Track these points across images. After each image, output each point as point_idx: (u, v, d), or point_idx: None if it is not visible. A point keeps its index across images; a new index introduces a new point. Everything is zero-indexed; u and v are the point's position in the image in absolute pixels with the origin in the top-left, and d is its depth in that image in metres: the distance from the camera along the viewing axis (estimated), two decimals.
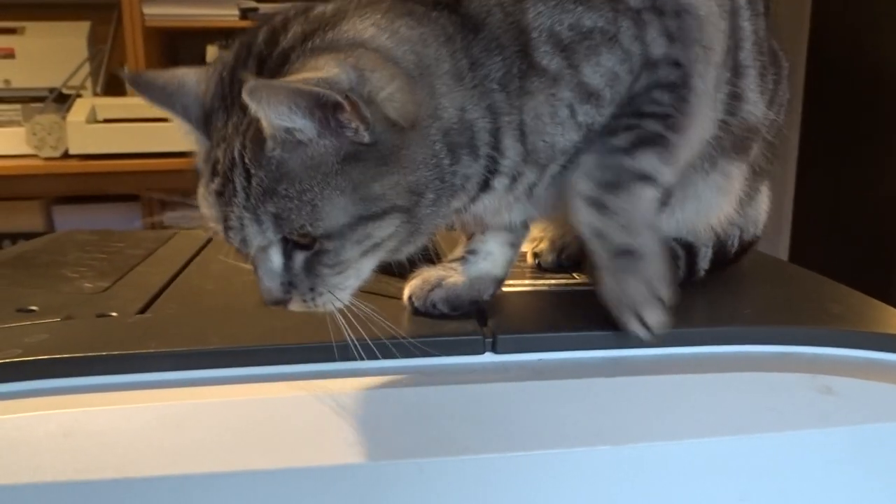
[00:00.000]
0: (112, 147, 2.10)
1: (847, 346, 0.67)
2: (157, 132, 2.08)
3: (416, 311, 0.68)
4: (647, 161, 0.64)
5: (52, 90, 2.33)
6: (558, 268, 0.82)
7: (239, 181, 0.54)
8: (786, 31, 2.68)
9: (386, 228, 0.56)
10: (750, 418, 0.59)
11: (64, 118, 2.15)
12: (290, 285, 0.57)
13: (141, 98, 0.61)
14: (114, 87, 2.46)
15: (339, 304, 0.58)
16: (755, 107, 0.73)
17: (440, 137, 0.57)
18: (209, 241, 1.09)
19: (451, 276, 0.69)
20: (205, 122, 0.58)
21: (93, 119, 2.13)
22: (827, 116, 2.66)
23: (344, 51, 0.54)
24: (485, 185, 0.62)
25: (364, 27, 0.56)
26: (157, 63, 2.36)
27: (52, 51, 2.38)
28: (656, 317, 0.63)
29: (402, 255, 0.61)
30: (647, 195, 0.64)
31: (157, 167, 2.10)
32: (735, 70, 0.71)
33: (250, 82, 0.49)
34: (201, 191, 0.57)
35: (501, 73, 0.59)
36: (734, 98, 0.71)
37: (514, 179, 0.63)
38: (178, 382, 0.59)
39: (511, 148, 0.61)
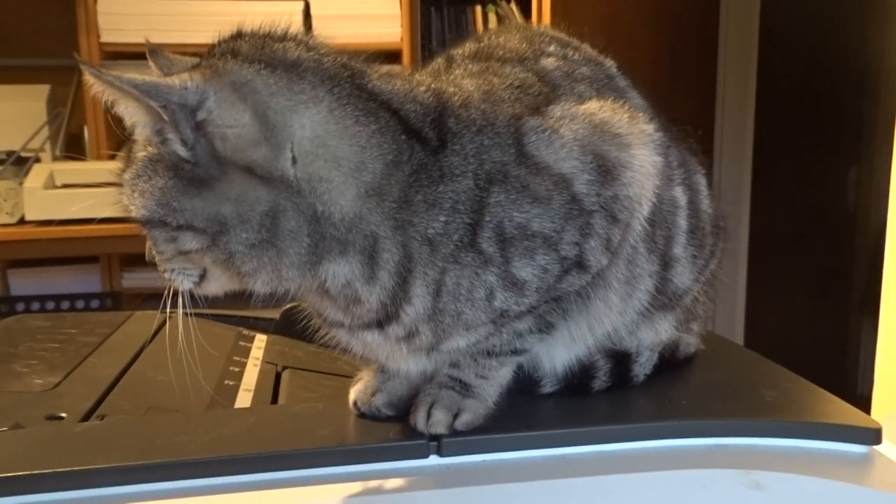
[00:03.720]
0: (69, 213, 2.09)
1: (777, 436, 0.70)
2: (117, 196, 2.08)
3: (362, 416, 0.69)
4: (530, 342, 0.69)
5: (10, 153, 2.32)
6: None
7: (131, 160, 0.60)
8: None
9: (188, 242, 0.59)
10: None
11: (21, 183, 2.14)
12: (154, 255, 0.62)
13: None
14: (74, 149, 2.46)
15: (183, 287, 0.63)
16: (684, 280, 0.77)
17: (295, 203, 0.58)
18: (163, 325, 1.10)
19: (390, 377, 0.70)
20: None
21: (51, 184, 2.13)
22: (776, 130, 2.76)
23: (211, 75, 0.57)
24: (377, 324, 0.63)
25: (256, 73, 0.58)
26: (118, 127, 2.36)
27: (10, 114, 2.38)
28: (443, 417, 0.65)
29: (250, 286, 0.62)
30: (515, 361, 0.70)
31: (115, 232, 2.09)
32: (665, 263, 0.74)
33: (89, 69, 0.56)
34: None
35: (436, 231, 0.60)
36: (661, 281, 0.74)
37: (409, 335, 0.64)
38: (128, 497, 0.59)
39: (420, 298, 0.61)
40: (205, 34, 2.24)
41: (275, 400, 0.88)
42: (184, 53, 2.19)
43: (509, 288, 0.63)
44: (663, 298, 0.76)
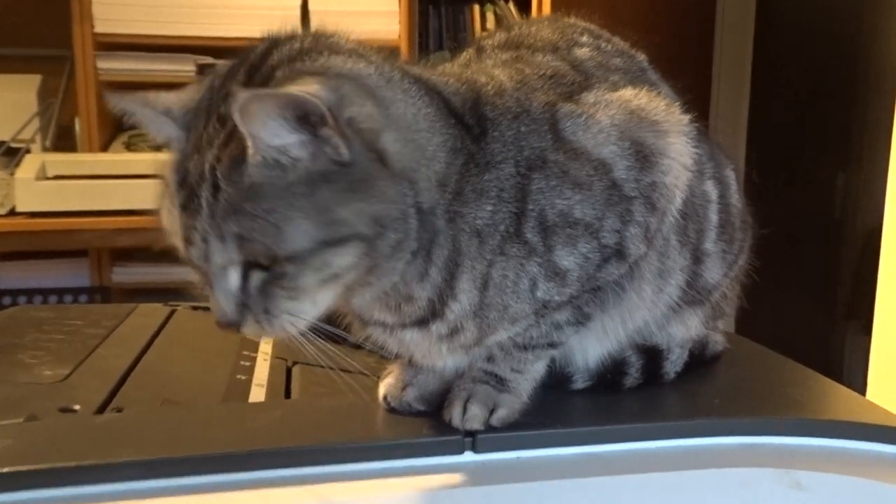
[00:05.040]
0: (61, 205, 2.06)
1: (812, 435, 0.69)
2: (109, 189, 2.05)
3: (392, 411, 0.68)
4: (567, 334, 0.68)
5: (0, 144, 2.28)
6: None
7: (205, 196, 0.53)
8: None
9: (346, 257, 0.54)
10: None
11: (12, 174, 2.10)
12: (244, 307, 0.55)
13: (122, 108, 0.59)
14: (64, 140, 2.41)
15: (293, 331, 0.57)
16: (714, 275, 0.76)
17: (411, 197, 0.56)
18: (170, 316, 1.08)
19: (421, 371, 0.68)
20: (185, 129, 0.57)
21: (42, 176, 2.08)
22: (768, 136, 2.77)
23: (326, 75, 0.54)
24: (420, 322, 0.62)
25: (354, 63, 0.57)
26: (109, 118, 2.33)
27: (1, 104, 2.33)
28: (479, 412, 0.63)
29: (358, 298, 0.59)
30: (550, 355, 0.69)
31: (107, 225, 2.06)
32: (696, 257, 0.73)
33: (241, 94, 0.49)
34: (165, 202, 0.56)
35: (483, 222, 0.59)
36: (692, 275, 0.73)
37: (453, 333, 0.62)
38: (152, 492, 0.57)
39: (467, 293, 0.60)
40: (199, 26, 2.23)
41: (287, 395, 0.86)
42: (181, 45, 2.14)
43: (552, 278, 0.62)
44: (693, 293, 0.74)
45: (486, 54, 0.71)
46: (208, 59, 2.31)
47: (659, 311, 0.73)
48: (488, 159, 0.59)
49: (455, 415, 0.63)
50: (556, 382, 0.72)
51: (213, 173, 0.53)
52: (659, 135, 0.65)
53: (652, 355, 0.75)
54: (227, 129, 0.53)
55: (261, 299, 0.55)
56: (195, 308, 1.09)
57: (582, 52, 0.71)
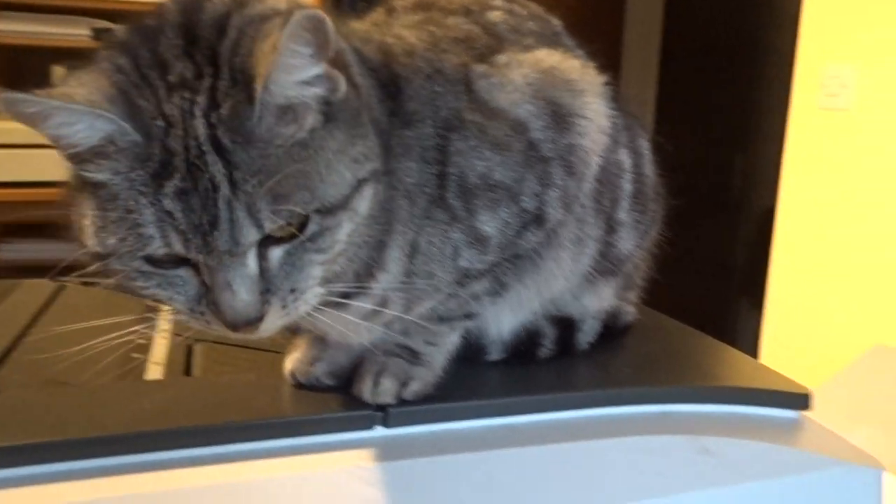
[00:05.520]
0: None
1: (718, 402, 0.70)
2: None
3: (299, 387, 0.64)
4: (483, 306, 0.66)
5: None
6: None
7: (217, 168, 0.46)
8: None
9: (365, 201, 0.52)
10: (637, 483, 0.60)
11: None
12: (267, 294, 0.50)
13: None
14: None
15: (313, 304, 0.52)
16: (628, 245, 0.76)
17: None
18: (57, 292, 1.00)
19: (330, 346, 0.65)
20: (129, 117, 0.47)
21: None
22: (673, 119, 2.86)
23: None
24: (341, 299, 0.57)
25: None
26: None
27: None
28: (391, 386, 0.61)
29: (337, 267, 0.55)
30: (465, 326, 0.68)
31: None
32: (610, 227, 0.73)
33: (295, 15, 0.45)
34: (140, 202, 0.47)
35: (412, 182, 0.57)
36: (605, 245, 0.73)
37: (376, 310, 0.60)
38: (32, 479, 0.52)
39: (396, 261, 0.58)
40: None
41: (188, 374, 0.82)
42: (75, 7, 1.98)
43: (473, 244, 0.61)
44: (607, 263, 0.74)
45: (397, 15, 0.68)
46: (105, 24, 2.18)
47: (574, 281, 0.72)
48: (408, 118, 0.57)
49: (366, 389, 0.61)
50: (470, 355, 0.70)
51: (215, 141, 0.46)
52: (574, 94, 0.64)
53: (566, 326, 0.75)
54: (207, 89, 0.47)
55: (286, 277, 0.50)
56: (85, 284, 1.02)
57: (495, 15, 0.69)
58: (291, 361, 0.65)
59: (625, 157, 0.73)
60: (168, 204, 0.47)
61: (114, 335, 0.59)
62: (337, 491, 0.56)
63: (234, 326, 0.50)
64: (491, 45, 0.65)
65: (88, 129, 0.47)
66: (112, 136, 0.47)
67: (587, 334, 0.76)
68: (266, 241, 0.49)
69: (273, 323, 0.51)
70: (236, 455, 0.57)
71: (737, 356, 0.81)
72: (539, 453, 0.61)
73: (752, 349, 2.58)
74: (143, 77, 0.49)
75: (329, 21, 0.47)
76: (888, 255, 2.37)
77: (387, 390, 0.61)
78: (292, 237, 0.49)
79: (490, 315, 0.69)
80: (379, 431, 0.61)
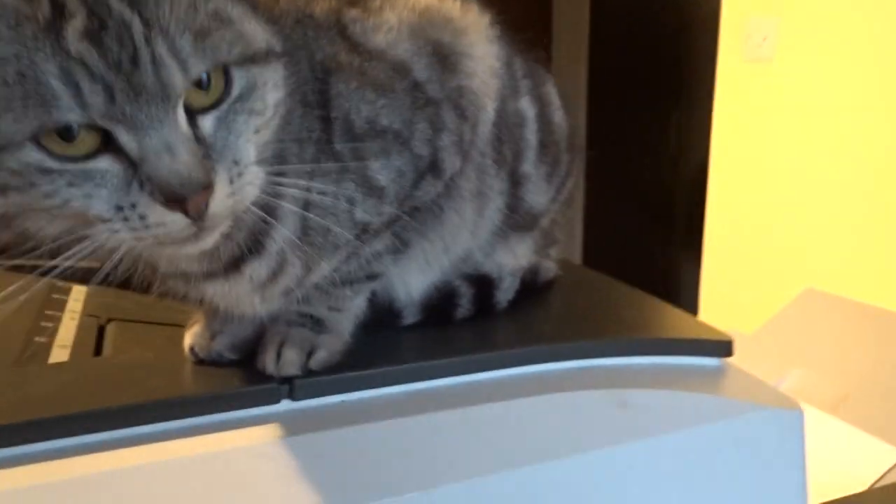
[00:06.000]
0: None
1: (639, 354, 0.69)
2: None
3: (201, 363, 0.61)
4: (386, 264, 0.64)
5: None
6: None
7: (122, 5, 0.41)
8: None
9: (281, 76, 0.49)
10: (553, 441, 0.59)
11: None
12: (208, 160, 0.44)
13: None
14: None
15: (257, 189, 0.47)
16: (539, 199, 0.74)
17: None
18: None
19: (231, 318, 0.62)
20: None
21: None
22: (609, 79, 2.86)
23: None
24: (232, 266, 0.54)
25: None
26: None
27: None
28: (295, 357, 0.58)
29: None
30: (369, 288, 0.65)
31: None
32: (515, 181, 0.70)
33: None
34: (37, 58, 0.39)
35: (297, 125, 0.53)
36: (513, 199, 0.71)
37: (275, 273, 0.56)
38: None
39: (290, 215, 0.54)
40: None
41: (98, 355, 0.78)
42: None
43: (368, 195, 0.57)
44: (517, 217, 0.72)
45: None
46: None
47: (482, 236, 0.70)
48: (282, 55, 0.52)
49: (269, 361, 0.58)
50: (383, 319, 0.68)
51: None
52: (456, 33, 0.62)
53: (482, 284, 0.73)
54: None
55: (224, 144, 0.45)
56: None
57: None
58: (191, 336, 0.62)
59: (527, 106, 0.71)
60: (76, 45, 0.40)
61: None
62: (243, 470, 0.54)
63: (181, 195, 0.42)
64: None
65: None
66: None
67: (505, 292, 0.74)
68: (193, 112, 0.44)
69: (222, 202, 0.45)
70: (135, 439, 0.54)
71: (660, 306, 0.80)
72: (453, 417, 0.59)
73: (693, 298, 2.62)
74: None
75: None
76: (815, 201, 2.42)
77: (290, 361, 0.58)
78: (220, 102, 0.45)
79: (395, 276, 0.67)
80: (286, 405, 0.58)
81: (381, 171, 0.57)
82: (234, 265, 0.54)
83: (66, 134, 0.41)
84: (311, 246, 0.56)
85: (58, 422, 0.53)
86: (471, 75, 0.62)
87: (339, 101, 0.55)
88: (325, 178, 0.55)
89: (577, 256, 2.98)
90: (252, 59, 0.46)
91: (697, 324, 0.76)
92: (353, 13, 0.58)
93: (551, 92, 0.76)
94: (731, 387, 0.68)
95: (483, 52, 0.63)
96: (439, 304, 0.70)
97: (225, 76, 0.45)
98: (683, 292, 2.73)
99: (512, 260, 0.74)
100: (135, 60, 0.41)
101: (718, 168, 2.51)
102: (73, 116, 0.40)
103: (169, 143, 0.42)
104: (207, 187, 0.43)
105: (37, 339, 0.81)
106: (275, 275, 0.56)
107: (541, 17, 2.91)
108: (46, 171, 0.42)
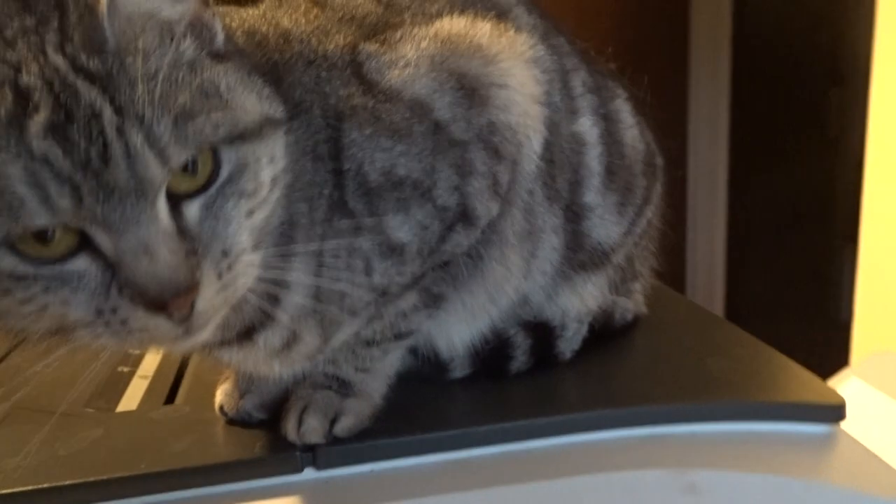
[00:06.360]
0: None
1: (720, 420, 0.59)
2: None
3: (231, 422, 0.59)
4: (417, 321, 0.58)
5: None
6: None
7: (92, 93, 0.37)
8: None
9: (281, 145, 0.45)
10: None
11: None
12: (192, 255, 0.40)
13: None
14: None
15: (251, 279, 0.43)
16: (608, 232, 0.66)
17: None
18: None
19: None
20: None
21: None
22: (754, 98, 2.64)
23: None
24: (244, 336, 0.51)
25: None
26: None
27: None
28: (317, 423, 0.54)
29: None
30: (402, 346, 0.59)
31: None
32: (574, 214, 0.63)
33: None
34: None
35: (308, 179, 0.49)
36: (573, 236, 0.63)
37: (289, 342, 0.52)
38: None
39: (299, 285, 0.49)
40: None
41: (179, 382, 0.76)
42: None
43: (387, 255, 0.52)
44: (582, 256, 0.65)
45: None
46: None
47: (538, 280, 0.63)
48: (293, 109, 0.48)
49: (290, 429, 0.54)
50: (431, 373, 0.63)
51: (78, 66, 0.37)
52: (485, 62, 0.55)
53: (542, 333, 0.65)
54: (55, 28, 0.38)
55: (212, 234, 0.41)
56: None
57: None
58: (221, 394, 0.59)
59: (588, 128, 0.63)
60: (39, 144, 0.36)
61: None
62: None
63: (162, 301, 0.38)
64: (387, 19, 0.56)
65: None
66: None
67: (569, 341, 0.66)
68: (177, 199, 0.40)
69: (211, 300, 0.40)
70: None
71: (760, 353, 0.69)
72: (492, 496, 0.53)
73: (849, 296, 2.37)
74: None
75: None
76: None
77: (312, 429, 0.54)
78: (207, 186, 0.41)
79: (434, 329, 0.61)
80: (310, 474, 0.54)
81: (401, 228, 0.52)
82: (246, 335, 0.51)
83: (41, 235, 0.38)
84: (326, 313, 0.52)
85: (79, 488, 0.52)
86: (505, 108, 0.55)
87: (352, 150, 0.50)
88: (338, 237, 0.50)
89: (719, 258, 2.78)
90: (242, 136, 0.41)
91: (802, 377, 0.65)
92: (369, 48, 0.53)
93: (622, 109, 0.67)
94: (835, 467, 0.57)
95: (521, 79, 0.56)
96: (491, 357, 0.63)
97: (213, 156, 0.41)
98: (842, 289, 2.48)
99: (578, 303, 0.66)
100: (104, 157, 0.37)
101: (876, 154, 2.24)
102: (42, 221, 0.37)
103: (146, 244, 0.38)
104: (192, 288, 0.39)
105: (120, 368, 0.82)
106: (289, 343, 0.52)
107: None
108: (20, 278, 0.39)
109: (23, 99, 0.36)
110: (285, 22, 0.53)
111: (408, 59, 0.52)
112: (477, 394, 0.63)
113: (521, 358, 0.64)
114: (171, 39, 0.40)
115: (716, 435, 0.59)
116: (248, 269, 0.42)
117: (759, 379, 0.66)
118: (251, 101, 0.43)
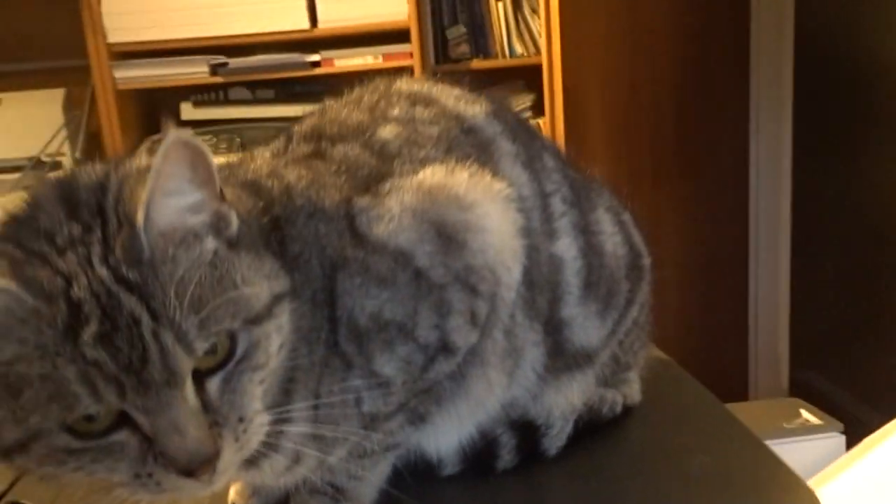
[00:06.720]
0: None
1: None
2: None
3: None
4: (404, 436, 0.63)
5: (30, 159, 2.36)
6: None
7: (132, 302, 0.44)
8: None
9: (285, 315, 0.51)
10: None
11: None
12: (215, 426, 0.47)
13: None
14: (92, 150, 2.48)
15: (260, 437, 0.50)
16: (589, 338, 0.70)
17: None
18: None
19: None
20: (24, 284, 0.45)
21: None
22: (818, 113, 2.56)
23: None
24: (250, 463, 0.54)
25: None
26: (133, 124, 2.39)
27: (29, 120, 2.41)
28: None
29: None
30: (392, 456, 0.64)
31: None
32: (553, 327, 0.67)
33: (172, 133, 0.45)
34: (57, 362, 0.43)
35: (308, 325, 0.55)
36: (554, 346, 0.68)
37: (292, 464, 0.58)
38: None
39: (301, 412, 0.55)
40: (207, 26, 2.22)
41: None
42: (193, 47, 2.10)
43: (375, 388, 0.58)
44: (566, 360, 0.69)
45: (291, 146, 0.67)
46: (221, 59, 2.32)
47: (523, 384, 0.68)
48: (294, 260, 0.55)
49: None
50: (424, 469, 0.68)
51: (120, 278, 0.45)
52: (462, 209, 0.60)
53: (527, 432, 0.70)
54: (99, 239, 0.46)
55: (230, 405, 0.48)
56: None
57: (387, 132, 0.65)
58: (234, 492, 0.67)
59: (565, 248, 0.67)
60: (91, 352, 0.44)
61: None
62: None
63: (190, 469, 0.46)
64: (378, 169, 0.62)
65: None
66: (9, 308, 0.44)
67: (555, 439, 0.70)
68: (200, 375, 0.47)
69: (230, 460, 0.48)
70: None
71: (750, 445, 0.71)
72: None
73: None
74: (29, 252, 0.46)
75: (206, 150, 0.47)
76: None
77: None
78: (225, 363, 0.48)
79: (422, 438, 0.67)
80: None
81: (388, 364, 0.58)
82: (252, 462, 0.55)
83: (88, 416, 0.46)
84: (323, 438, 0.57)
85: None
86: (482, 251, 0.60)
87: (344, 298, 0.56)
88: (332, 376, 0.56)
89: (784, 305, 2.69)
90: (255, 320, 0.48)
91: (789, 483, 0.66)
92: (361, 202, 0.59)
93: (602, 219, 0.72)
94: None
95: (498, 220, 0.61)
96: (480, 455, 0.69)
97: (230, 337, 0.48)
98: None
99: (563, 402, 0.71)
100: (144, 358, 0.44)
101: None
102: (91, 409, 0.45)
103: (177, 424, 0.45)
104: (215, 456, 0.47)
105: None
106: (291, 465, 0.58)
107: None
108: (73, 451, 0.46)
109: (75, 310, 0.44)
110: (289, 176, 0.60)
111: (392, 213, 0.58)
112: (466, 493, 0.67)
113: (506, 457, 0.69)
114: (195, 242, 0.48)
115: None
116: (260, 428, 0.50)
117: (742, 477, 0.68)
118: (263, 287, 0.49)
